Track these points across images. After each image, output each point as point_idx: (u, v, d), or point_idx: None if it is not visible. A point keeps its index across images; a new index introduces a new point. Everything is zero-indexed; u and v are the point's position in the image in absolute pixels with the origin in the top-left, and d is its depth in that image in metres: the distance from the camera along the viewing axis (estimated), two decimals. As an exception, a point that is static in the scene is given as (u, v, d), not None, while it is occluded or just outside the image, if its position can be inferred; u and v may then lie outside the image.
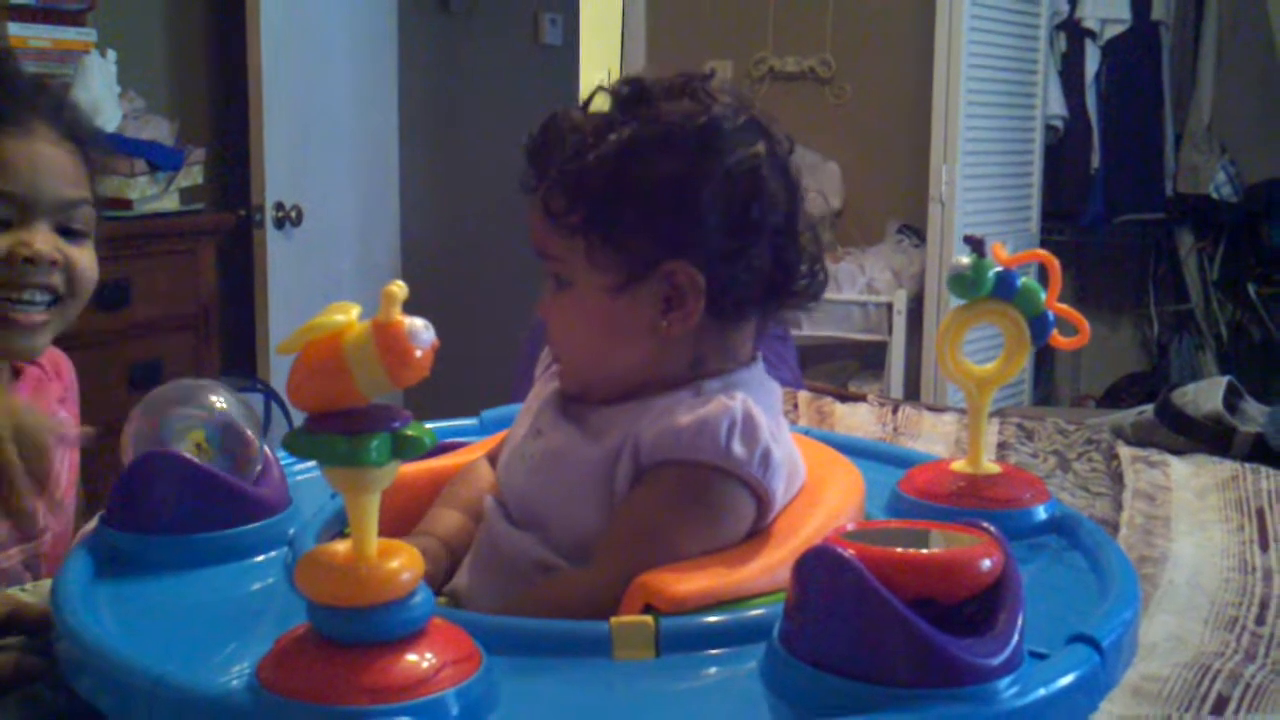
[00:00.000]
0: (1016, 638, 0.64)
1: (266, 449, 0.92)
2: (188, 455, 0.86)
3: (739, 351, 0.89)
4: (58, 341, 1.31)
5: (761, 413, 0.82)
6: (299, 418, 0.61)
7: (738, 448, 0.80)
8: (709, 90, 0.86)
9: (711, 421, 0.80)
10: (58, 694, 0.80)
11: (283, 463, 0.94)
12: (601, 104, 0.87)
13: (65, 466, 1.36)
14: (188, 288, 2.89)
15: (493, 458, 0.98)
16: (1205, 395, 1.61)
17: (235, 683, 0.64)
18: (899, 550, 0.63)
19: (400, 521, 0.93)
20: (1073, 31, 3.90)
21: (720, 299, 0.85)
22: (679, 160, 0.83)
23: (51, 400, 1.37)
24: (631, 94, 0.86)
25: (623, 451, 0.82)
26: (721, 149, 0.83)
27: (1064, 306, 0.95)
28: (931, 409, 1.79)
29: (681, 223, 0.83)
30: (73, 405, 1.42)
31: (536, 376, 0.96)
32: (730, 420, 0.80)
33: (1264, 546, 1.24)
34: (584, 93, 0.88)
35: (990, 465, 0.97)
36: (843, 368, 3.75)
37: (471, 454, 1.02)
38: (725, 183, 0.83)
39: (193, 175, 2.93)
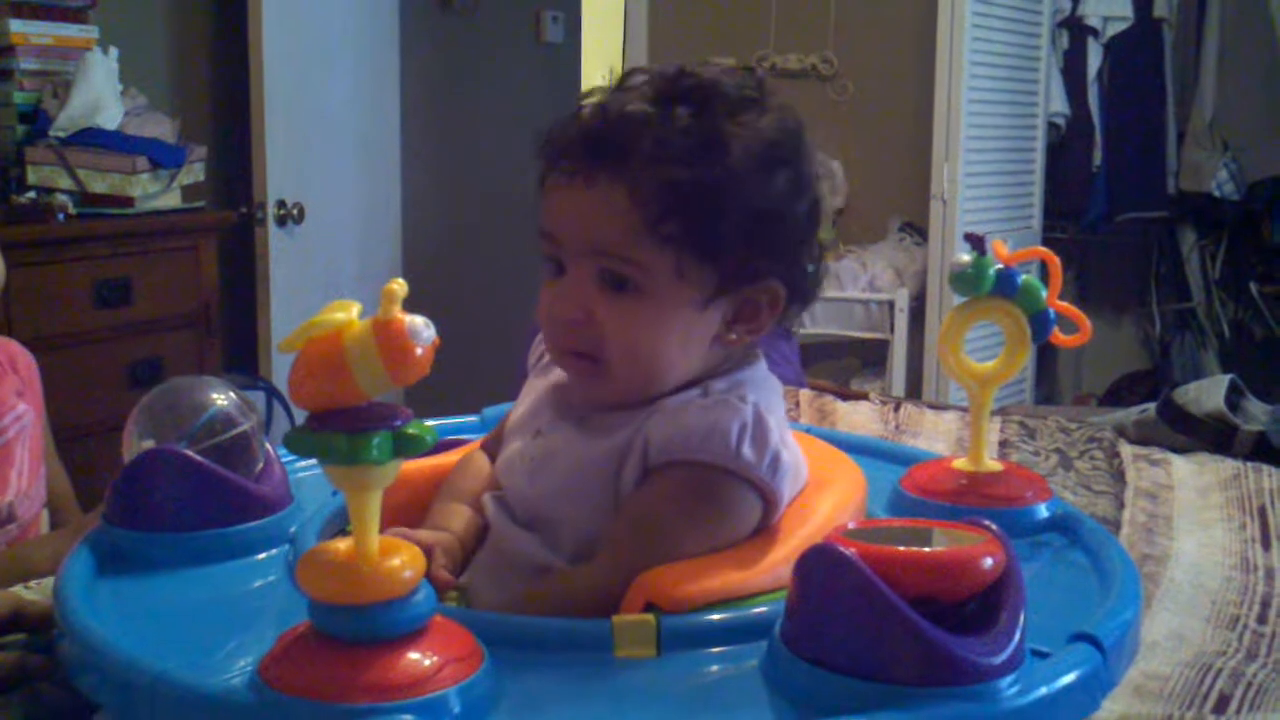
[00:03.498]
0: (1018, 636, 0.64)
1: (268, 446, 0.92)
2: (189, 453, 0.86)
3: (750, 350, 0.89)
4: (46, 339, 1.35)
5: (771, 415, 0.82)
6: (300, 415, 0.61)
7: (748, 450, 0.79)
8: (766, 91, 0.85)
9: (723, 423, 0.80)
10: (60, 692, 0.80)
11: (284, 460, 0.94)
12: (642, 92, 0.83)
13: (27, 457, 1.37)
14: (189, 285, 2.89)
15: (487, 448, 0.98)
16: (1207, 394, 1.61)
17: (237, 680, 0.64)
18: (900, 549, 0.63)
19: (401, 519, 0.93)
20: (1075, 29, 3.90)
21: (784, 308, 0.86)
22: (779, 179, 0.82)
23: (8, 392, 1.38)
24: (699, 93, 0.82)
25: (630, 451, 0.82)
26: (805, 164, 0.84)
27: (1064, 304, 0.95)
28: (933, 407, 1.79)
29: (776, 240, 0.83)
30: (33, 397, 1.44)
31: (530, 365, 0.96)
32: (741, 423, 0.80)
33: (1266, 545, 1.24)
34: (585, 90, 0.86)
35: (992, 463, 0.97)
36: (844, 366, 3.75)
37: (472, 448, 1.02)
38: (811, 197, 0.84)
39: (194, 173, 2.93)
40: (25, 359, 1.46)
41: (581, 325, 0.83)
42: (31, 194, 2.68)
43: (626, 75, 0.85)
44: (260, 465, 0.90)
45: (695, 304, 0.83)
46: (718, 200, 0.80)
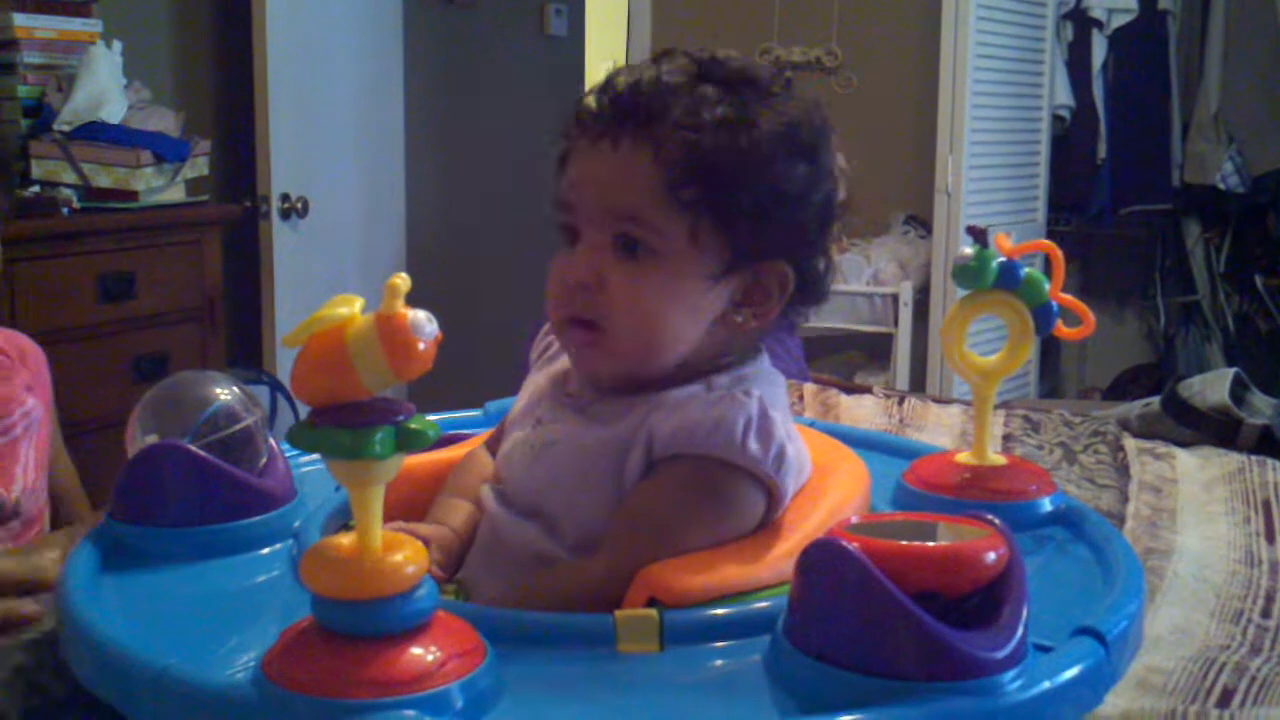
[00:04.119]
0: (1021, 631, 0.64)
1: (271, 441, 0.92)
2: (193, 448, 0.87)
3: (754, 346, 0.89)
4: (50, 333, 1.36)
5: (775, 409, 0.82)
6: (304, 410, 0.61)
7: (753, 445, 0.79)
8: (795, 88, 0.87)
9: (728, 417, 0.80)
10: (62, 684, 0.80)
11: (287, 455, 0.94)
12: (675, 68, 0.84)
13: (33, 452, 1.37)
14: (193, 279, 2.89)
15: (490, 446, 0.98)
16: (1211, 387, 1.61)
17: (240, 675, 0.64)
18: (903, 543, 0.63)
19: (404, 514, 0.93)
20: (1079, 21, 3.89)
21: (794, 297, 0.86)
22: (801, 164, 0.84)
23: (17, 387, 1.38)
24: (733, 75, 0.84)
25: (634, 444, 0.82)
26: (826, 156, 0.86)
27: (1068, 297, 0.95)
28: (937, 401, 1.79)
29: (793, 222, 0.84)
30: (42, 391, 1.44)
31: (532, 360, 0.96)
32: (746, 417, 0.80)
33: (1270, 539, 1.24)
34: (589, 84, 0.87)
35: (995, 457, 0.97)
36: (848, 359, 3.74)
37: (476, 445, 1.02)
38: (828, 189, 0.86)
39: (198, 166, 2.93)
40: (35, 353, 1.46)
41: (590, 290, 0.83)
42: (36, 188, 2.68)
43: (661, 54, 0.87)
44: (264, 460, 0.91)
45: (706, 276, 0.83)
46: (740, 171, 0.81)
